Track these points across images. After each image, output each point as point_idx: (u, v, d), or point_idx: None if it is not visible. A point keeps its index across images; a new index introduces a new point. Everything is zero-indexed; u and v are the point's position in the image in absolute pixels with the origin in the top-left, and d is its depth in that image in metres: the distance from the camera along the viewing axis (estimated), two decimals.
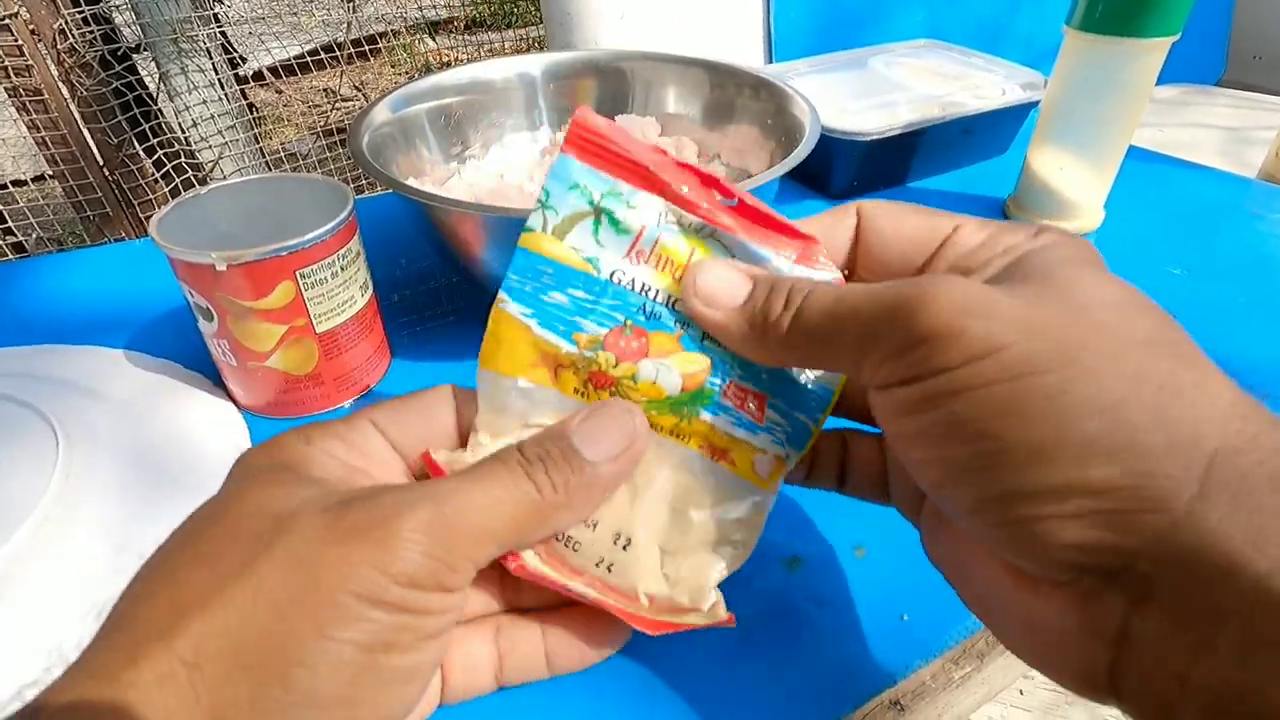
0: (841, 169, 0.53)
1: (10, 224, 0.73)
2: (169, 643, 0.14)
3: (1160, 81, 0.43)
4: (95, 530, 0.28)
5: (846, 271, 0.21)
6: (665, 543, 0.20)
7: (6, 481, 0.29)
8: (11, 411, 0.33)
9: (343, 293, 0.34)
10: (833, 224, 0.20)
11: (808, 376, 0.20)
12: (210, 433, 0.34)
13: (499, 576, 0.21)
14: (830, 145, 0.49)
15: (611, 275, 0.19)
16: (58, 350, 0.39)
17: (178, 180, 0.74)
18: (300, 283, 0.32)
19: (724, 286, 0.18)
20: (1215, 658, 0.13)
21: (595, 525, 0.20)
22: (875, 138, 0.50)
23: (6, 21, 0.60)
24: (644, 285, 0.19)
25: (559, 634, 0.20)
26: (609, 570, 0.20)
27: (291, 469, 0.17)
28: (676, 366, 0.19)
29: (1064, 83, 0.45)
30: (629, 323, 0.19)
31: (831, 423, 0.21)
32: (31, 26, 0.65)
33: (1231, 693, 0.13)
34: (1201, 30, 0.94)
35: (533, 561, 0.19)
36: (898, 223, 0.20)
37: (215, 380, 0.37)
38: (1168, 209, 0.53)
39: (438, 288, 0.45)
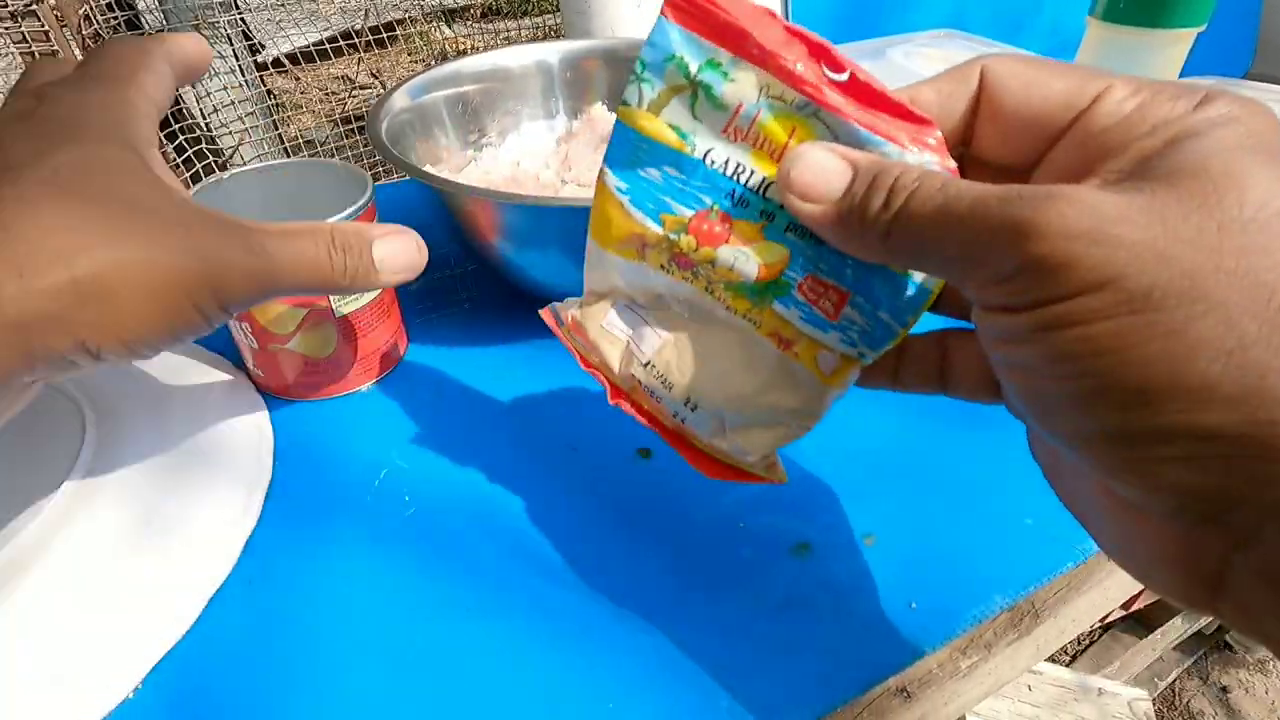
0: None
1: None
2: None
3: (1185, 73, 0.43)
4: (121, 503, 0.29)
5: (964, 147, 0.19)
6: (728, 414, 0.22)
7: (36, 456, 0.30)
8: (39, 390, 0.34)
9: None
10: (951, 89, 0.18)
11: (902, 275, 0.19)
12: (232, 412, 0.35)
13: None
14: None
15: (705, 155, 0.18)
16: None
17: (199, 165, 0.75)
18: None
19: (821, 177, 0.17)
20: None
21: (671, 386, 0.22)
22: None
23: (33, 7, 0.61)
24: (738, 167, 0.18)
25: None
26: (683, 423, 0.22)
27: (147, 165, 0.20)
28: (755, 256, 0.19)
29: None
30: (715, 207, 0.19)
31: (931, 321, 0.20)
32: (57, 11, 0.65)
33: None
34: (1229, 20, 0.92)
35: (628, 405, 0.23)
36: (1030, 86, 0.17)
37: (236, 362, 0.37)
38: None
39: (454, 275, 0.45)
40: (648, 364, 0.22)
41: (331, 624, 0.26)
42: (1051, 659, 0.98)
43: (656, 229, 0.20)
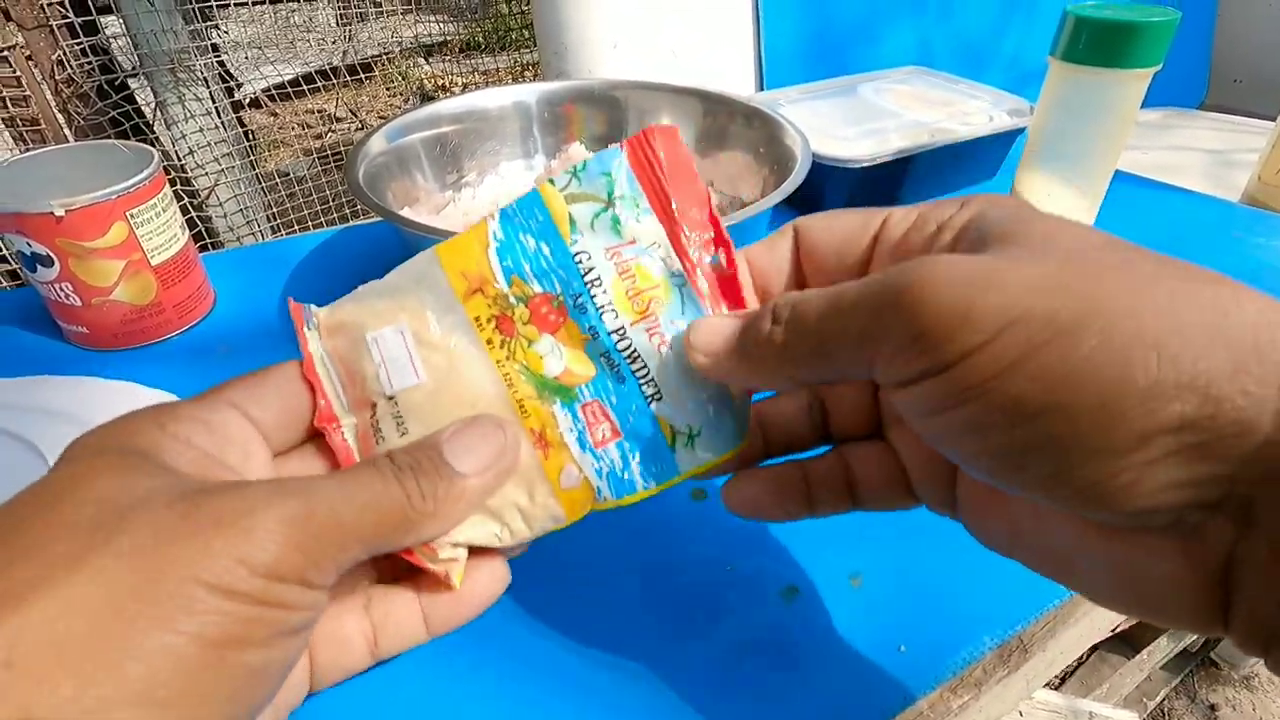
0: (834, 195, 0.54)
1: (5, 253, 0.73)
2: None
3: (1144, 106, 0.44)
4: None
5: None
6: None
7: None
8: (6, 445, 0.33)
9: (167, 230, 0.41)
10: (771, 246, 0.21)
11: (669, 449, 0.20)
12: None
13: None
14: (822, 172, 0.50)
15: (579, 253, 0.20)
16: (49, 380, 0.39)
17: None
18: (131, 222, 0.39)
19: (718, 331, 0.19)
20: None
21: (405, 432, 0.20)
22: (866, 164, 0.51)
23: (4, 53, 0.60)
24: (598, 278, 0.20)
25: (433, 594, 0.19)
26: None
27: (142, 455, 0.15)
28: (567, 358, 0.20)
29: (1049, 111, 0.46)
30: (560, 298, 0.20)
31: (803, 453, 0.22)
32: (28, 53, 0.65)
33: None
34: (1183, 54, 0.96)
35: (335, 432, 0.20)
36: (829, 227, 0.20)
37: (54, 335, 0.41)
38: (1155, 233, 0.54)
39: None
40: (391, 398, 0.20)
41: None
42: None
43: (503, 285, 0.20)
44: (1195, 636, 1.02)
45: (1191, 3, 0.92)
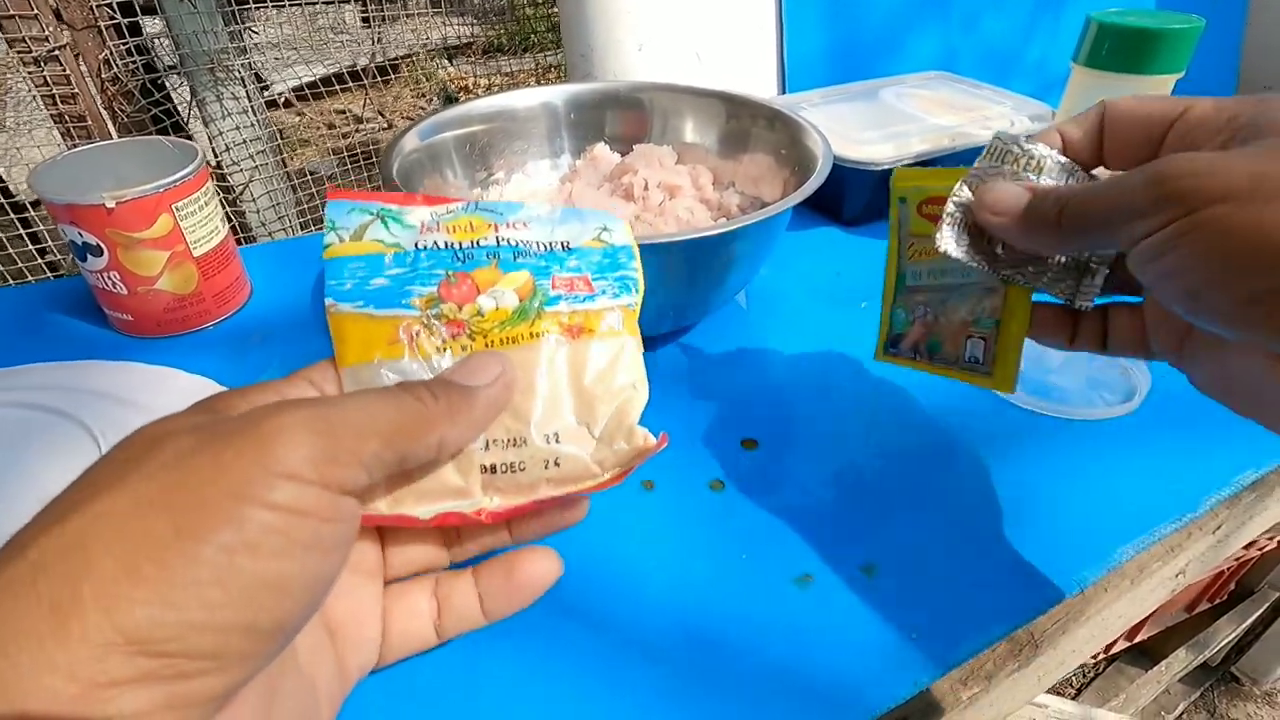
0: (854, 197, 0.55)
1: (49, 243, 0.76)
2: (24, 550, 0.13)
3: None
4: None
5: (1099, 165, 0.25)
6: (581, 417, 0.22)
7: (51, 487, 0.30)
8: (54, 422, 0.35)
9: (209, 223, 0.43)
10: (1081, 121, 0.24)
11: (605, 245, 0.24)
12: None
13: (440, 534, 0.22)
14: (843, 174, 0.50)
15: (416, 244, 0.21)
16: (96, 365, 0.40)
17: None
18: (176, 214, 0.41)
19: (1008, 198, 0.23)
20: None
21: (524, 441, 0.21)
22: (887, 167, 0.51)
23: (55, 53, 0.63)
24: (447, 241, 0.21)
25: (489, 581, 0.21)
26: (558, 465, 0.21)
27: (208, 408, 0.17)
28: (506, 287, 0.22)
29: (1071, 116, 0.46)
30: (450, 273, 0.21)
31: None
32: (76, 53, 0.68)
33: None
34: (1211, 61, 0.95)
35: (494, 505, 0.21)
36: (1138, 108, 0.23)
37: (100, 322, 0.41)
38: None
39: None
40: (486, 445, 0.21)
41: None
42: (1056, 692, 0.97)
43: (413, 313, 0.21)
44: (1215, 649, 1.00)
45: (1220, 9, 0.91)
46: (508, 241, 0.22)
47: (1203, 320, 0.19)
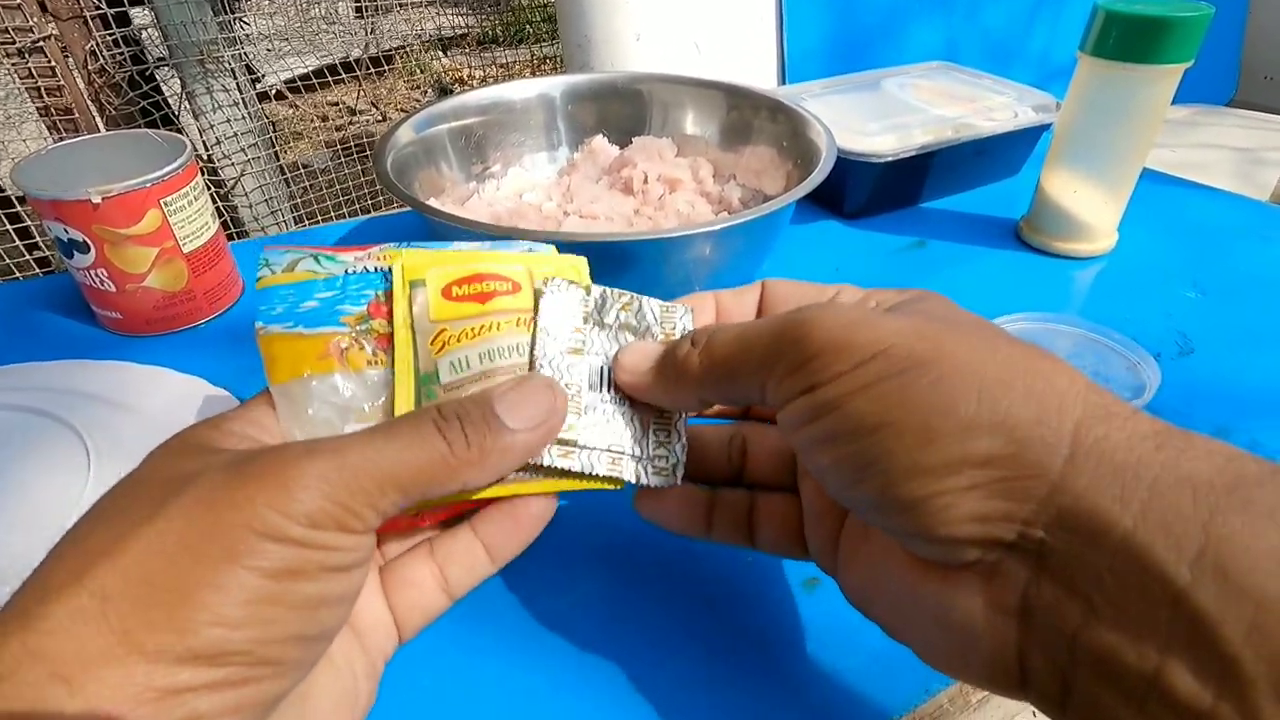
0: (856, 190, 0.54)
1: (38, 239, 0.74)
2: (80, 582, 0.14)
3: (1172, 102, 0.44)
4: None
5: None
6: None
7: (39, 493, 0.30)
8: (42, 424, 0.34)
9: (199, 219, 0.42)
10: (740, 295, 0.24)
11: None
12: None
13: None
14: (845, 166, 0.50)
15: (346, 270, 0.21)
16: (85, 365, 0.40)
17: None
18: (165, 209, 0.39)
19: (643, 355, 0.22)
20: (1097, 619, 0.14)
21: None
22: (889, 159, 0.51)
23: (40, 44, 0.62)
24: (375, 266, 0.21)
25: (489, 525, 0.21)
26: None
27: (199, 446, 0.18)
28: None
29: (1077, 107, 0.45)
30: (379, 293, 0.21)
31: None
32: (63, 44, 0.66)
33: (1109, 654, 0.14)
34: (1213, 50, 0.94)
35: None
36: (790, 291, 0.23)
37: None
38: (1182, 232, 0.53)
39: None
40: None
41: None
42: None
43: (343, 329, 0.20)
44: None
45: None
46: None
47: (858, 501, 0.17)
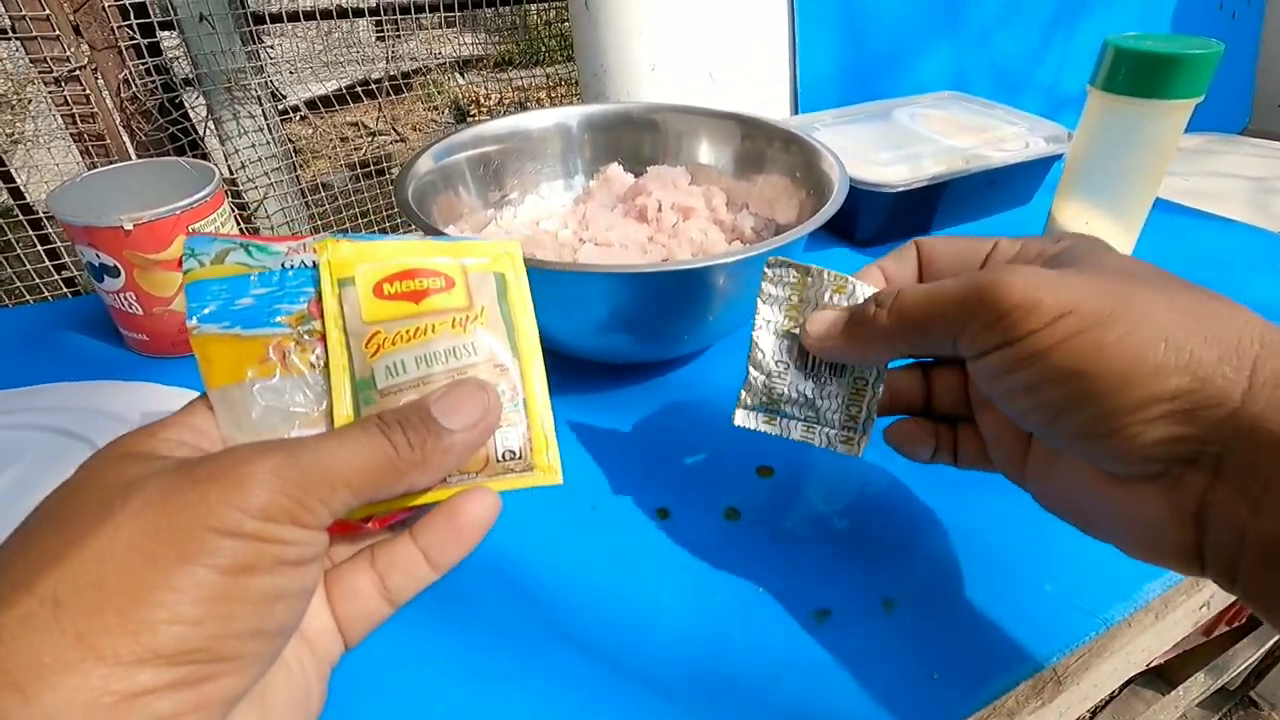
0: (868, 218, 0.55)
1: (66, 260, 0.76)
2: (29, 589, 0.14)
3: (1185, 131, 0.44)
4: None
5: None
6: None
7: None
8: (69, 445, 0.35)
9: None
10: (899, 257, 0.26)
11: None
12: None
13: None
14: (857, 196, 0.50)
15: (283, 265, 0.20)
16: (111, 386, 0.40)
17: (233, 221, 0.77)
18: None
19: (829, 320, 0.25)
20: (1264, 516, 0.17)
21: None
22: (901, 189, 0.51)
23: (76, 73, 0.64)
24: (314, 261, 0.20)
25: (431, 535, 0.21)
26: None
27: (139, 455, 0.17)
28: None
29: (1088, 140, 0.46)
30: (318, 289, 0.20)
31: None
32: (97, 71, 0.68)
33: (1272, 542, 0.17)
34: (1225, 79, 0.94)
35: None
36: (948, 247, 0.26)
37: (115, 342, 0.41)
38: (1194, 263, 0.53)
39: None
40: None
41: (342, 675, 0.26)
42: None
43: (283, 330, 0.20)
44: (1234, 674, 0.98)
45: (1234, 27, 0.91)
46: None
47: (1056, 436, 0.20)
